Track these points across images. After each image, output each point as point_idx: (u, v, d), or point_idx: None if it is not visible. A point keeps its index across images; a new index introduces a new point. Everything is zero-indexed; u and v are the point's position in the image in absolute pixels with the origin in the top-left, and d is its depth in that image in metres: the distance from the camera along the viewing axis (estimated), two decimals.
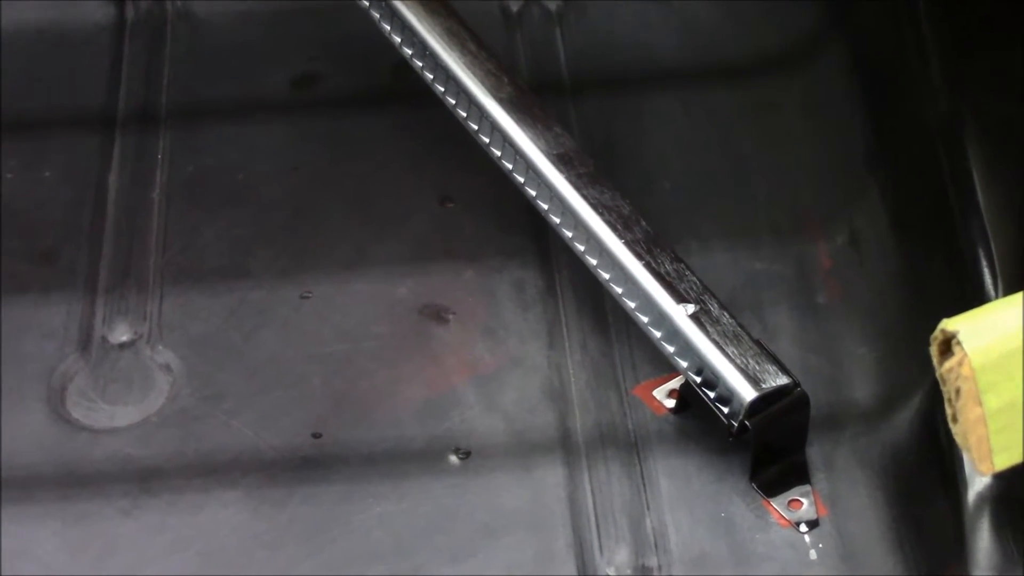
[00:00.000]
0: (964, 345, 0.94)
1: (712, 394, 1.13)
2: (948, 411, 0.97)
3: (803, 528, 1.11)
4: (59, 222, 1.33)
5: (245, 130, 1.40)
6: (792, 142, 1.36)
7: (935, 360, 0.97)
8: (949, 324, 0.96)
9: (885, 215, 1.27)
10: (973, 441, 0.97)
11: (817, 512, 1.11)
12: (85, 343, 1.24)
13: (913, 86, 1.30)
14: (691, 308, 1.15)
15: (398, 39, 1.33)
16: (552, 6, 1.48)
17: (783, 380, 1.11)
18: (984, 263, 1.15)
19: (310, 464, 1.16)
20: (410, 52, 1.32)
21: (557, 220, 1.22)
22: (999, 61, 1.25)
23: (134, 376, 1.22)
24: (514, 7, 1.48)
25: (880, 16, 1.37)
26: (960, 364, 0.94)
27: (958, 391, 0.95)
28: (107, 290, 1.28)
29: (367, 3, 1.35)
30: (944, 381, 0.96)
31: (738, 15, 1.46)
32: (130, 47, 1.45)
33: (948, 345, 0.96)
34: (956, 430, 0.98)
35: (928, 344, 0.99)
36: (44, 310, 1.27)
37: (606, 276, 1.19)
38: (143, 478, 1.16)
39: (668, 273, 1.17)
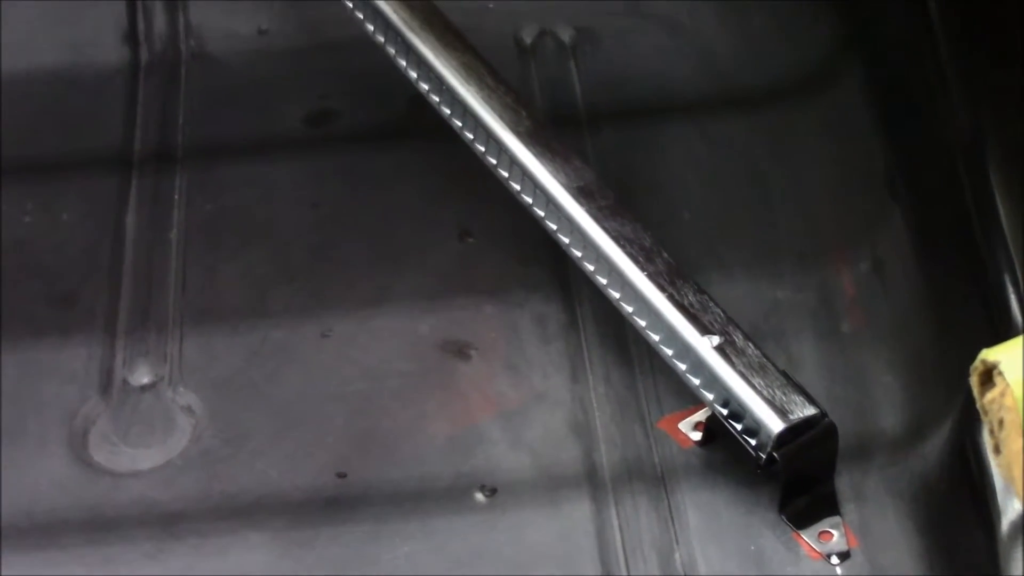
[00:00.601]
0: (1006, 375, 0.93)
1: (739, 426, 1.12)
2: (990, 442, 0.96)
3: (834, 560, 1.10)
4: (77, 264, 1.33)
5: (262, 168, 1.39)
6: (812, 168, 1.35)
7: (975, 391, 0.95)
8: (989, 355, 0.94)
9: (908, 240, 1.26)
10: (1017, 473, 0.95)
11: (848, 543, 1.10)
12: (106, 386, 1.24)
13: (932, 108, 1.29)
14: (716, 340, 1.14)
15: (414, 74, 1.32)
16: (566, 37, 1.48)
17: (810, 410, 1.11)
18: (1010, 287, 1.14)
19: (336, 504, 1.15)
20: (427, 87, 1.31)
21: (579, 253, 1.21)
22: (1019, 80, 1.24)
23: (156, 418, 1.22)
24: (528, 39, 1.48)
25: (897, 38, 1.37)
26: (1003, 395, 0.93)
27: (1001, 422, 0.94)
28: (127, 332, 1.27)
29: (382, 39, 1.34)
30: (986, 412, 0.95)
31: (753, 42, 1.46)
32: (145, 88, 1.45)
33: (989, 376, 0.95)
34: (999, 462, 0.96)
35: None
36: (64, 353, 1.26)
37: (629, 309, 1.18)
38: (168, 522, 1.15)
39: (692, 305, 1.16)
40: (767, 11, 1.45)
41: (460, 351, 1.25)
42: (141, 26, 1.49)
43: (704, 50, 1.46)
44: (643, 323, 1.18)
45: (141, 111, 1.44)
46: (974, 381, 0.96)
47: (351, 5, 1.37)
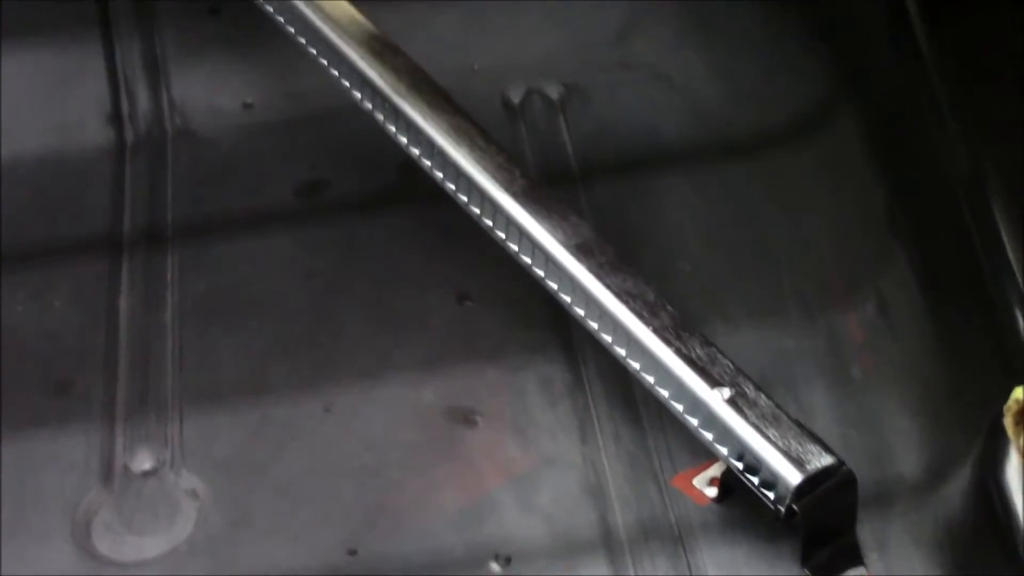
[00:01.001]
0: None
1: (756, 479, 1.09)
2: None
3: None
4: (72, 351, 1.31)
5: (254, 243, 1.38)
6: (812, 212, 1.34)
7: (1010, 431, 0.94)
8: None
9: (914, 279, 1.24)
10: None
11: None
12: (107, 474, 1.22)
13: (930, 144, 1.28)
14: (726, 392, 1.12)
15: (404, 139, 1.31)
16: (554, 94, 1.47)
17: (828, 460, 1.08)
18: (1020, 319, 1.12)
19: None
20: (417, 151, 1.30)
21: (581, 312, 1.19)
22: (1016, 111, 1.23)
23: (160, 504, 1.19)
24: (516, 98, 1.47)
25: (889, 76, 1.35)
26: None
27: None
28: (126, 417, 1.25)
29: (370, 105, 1.33)
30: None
31: (743, 88, 1.45)
32: (132, 168, 1.44)
33: None
34: None
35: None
36: (63, 442, 1.24)
37: (636, 365, 1.16)
38: None
39: (699, 358, 1.14)
40: (756, 58, 1.44)
41: (465, 418, 1.23)
42: (125, 106, 1.48)
43: (694, 100, 1.45)
44: (651, 379, 1.16)
45: (129, 192, 1.42)
46: (1008, 422, 0.94)
47: (336, 73, 1.35)
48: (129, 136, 1.46)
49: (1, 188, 1.42)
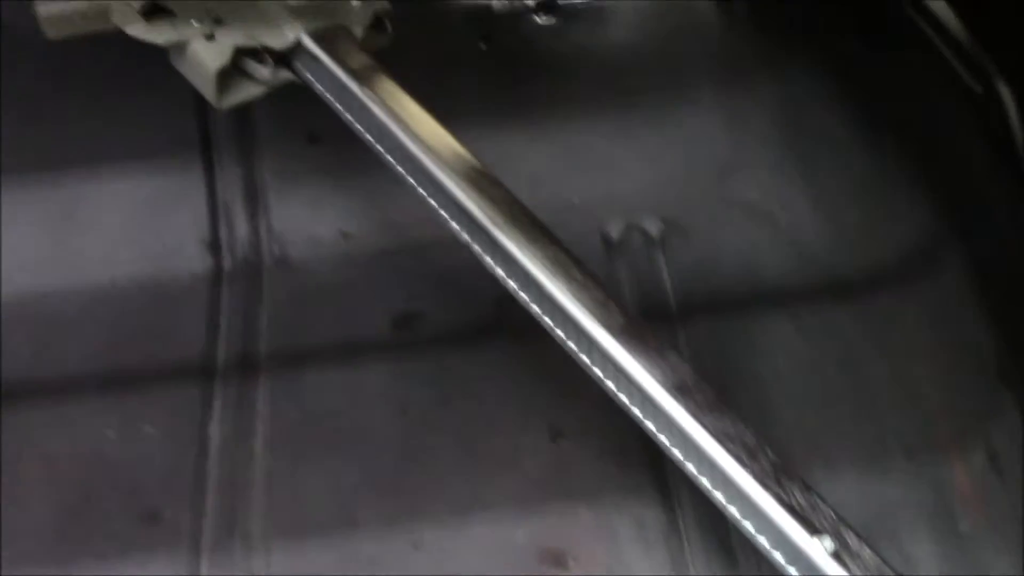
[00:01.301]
0: None
1: None
2: None
3: None
4: (161, 478, 1.29)
5: (348, 374, 1.36)
6: (917, 357, 1.31)
7: None
8: None
9: None
10: None
11: None
12: None
13: None
14: (828, 542, 1.08)
15: (501, 271, 1.29)
16: (654, 230, 1.45)
17: None
18: None
19: None
20: (514, 284, 1.28)
21: (679, 453, 1.16)
22: None
23: None
24: (615, 233, 1.45)
25: (996, 217, 1.33)
26: None
27: None
28: (212, 548, 1.24)
29: (467, 237, 1.32)
30: None
31: (846, 228, 1.42)
32: (228, 295, 1.43)
33: None
34: None
35: None
36: (149, 572, 1.23)
37: (734, 511, 1.13)
38: None
39: (800, 505, 1.11)
40: (859, 198, 1.42)
41: (557, 560, 1.20)
42: (223, 233, 1.48)
43: (797, 239, 1.43)
44: (750, 526, 1.12)
45: (224, 319, 1.41)
46: None
47: (435, 204, 1.35)
48: (226, 263, 1.46)
49: (97, 313, 1.42)
